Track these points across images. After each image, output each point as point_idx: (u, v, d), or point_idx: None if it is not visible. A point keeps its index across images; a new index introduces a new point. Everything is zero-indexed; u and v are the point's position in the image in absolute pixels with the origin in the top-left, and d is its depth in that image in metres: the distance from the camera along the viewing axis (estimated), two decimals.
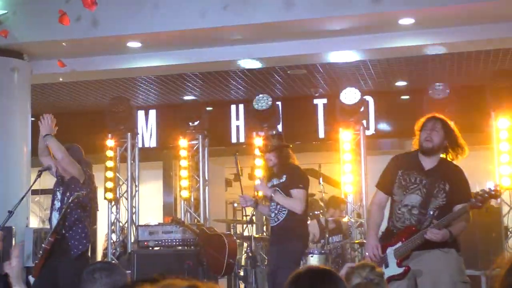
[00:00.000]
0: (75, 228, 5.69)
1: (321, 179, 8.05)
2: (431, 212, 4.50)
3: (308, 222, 8.49)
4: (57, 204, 5.81)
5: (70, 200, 5.56)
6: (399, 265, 4.49)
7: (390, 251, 4.54)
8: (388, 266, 4.51)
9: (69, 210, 5.64)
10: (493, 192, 4.22)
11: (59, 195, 5.81)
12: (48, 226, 5.92)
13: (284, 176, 5.91)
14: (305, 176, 6.05)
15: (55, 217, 5.71)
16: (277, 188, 5.91)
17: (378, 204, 4.80)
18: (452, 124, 4.74)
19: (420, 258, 4.48)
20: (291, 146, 6.31)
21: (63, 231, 5.64)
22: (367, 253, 4.66)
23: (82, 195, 5.58)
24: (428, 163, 4.63)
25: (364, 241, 7.44)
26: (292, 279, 2.29)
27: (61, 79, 9.37)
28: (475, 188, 4.63)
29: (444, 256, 4.47)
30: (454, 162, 4.69)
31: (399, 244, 4.50)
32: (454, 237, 4.46)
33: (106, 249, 10.27)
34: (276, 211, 5.86)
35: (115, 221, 9.73)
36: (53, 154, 5.67)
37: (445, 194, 4.51)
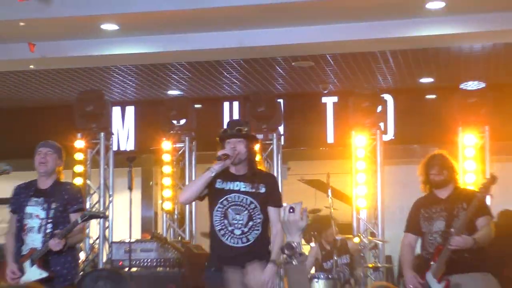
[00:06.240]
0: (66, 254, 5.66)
1: (329, 191, 8.01)
2: (452, 230, 5.56)
3: (313, 244, 8.47)
4: (35, 222, 5.63)
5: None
6: (439, 281, 5.55)
7: (428, 274, 5.61)
8: None
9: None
10: (490, 178, 5.71)
11: (39, 210, 5.66)
12: None
13: (263, 187, 5.27)
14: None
15: (36, 239, 5.59)
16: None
17: (409, 245, 5.90)
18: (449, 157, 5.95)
19: (461, 281, 5.54)
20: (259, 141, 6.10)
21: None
22: (410, 286, 5.67)
23: None
24: (443, 194, 5.81)
25: (379, 265, 8.62)
26: None
27: (31, 66, 9.31)
28: None
29: (483, 279, 5.59)
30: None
31: (433, 264, 5.59)
32: (481, 245, 5.49)
33: None
34: (246, 229, 5.20)
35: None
36: None
37: (465, 212, 5.61)
